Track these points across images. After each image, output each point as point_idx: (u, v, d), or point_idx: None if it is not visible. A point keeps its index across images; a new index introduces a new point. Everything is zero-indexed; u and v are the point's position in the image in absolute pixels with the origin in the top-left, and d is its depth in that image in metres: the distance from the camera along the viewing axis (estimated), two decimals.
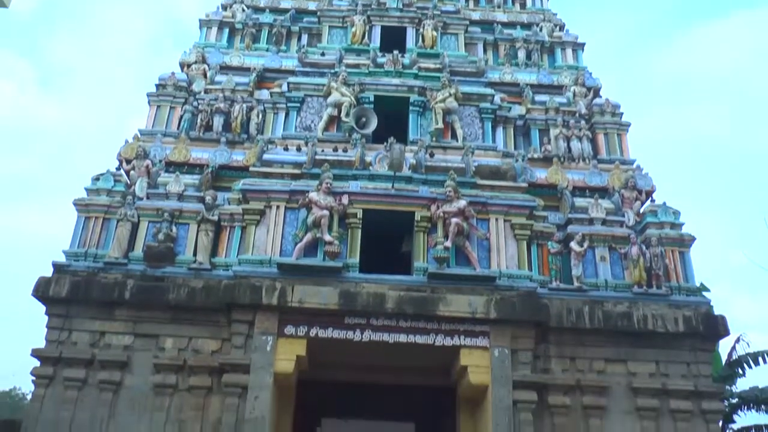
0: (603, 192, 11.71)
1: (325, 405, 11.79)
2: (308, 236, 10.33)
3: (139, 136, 12.17)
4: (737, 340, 17.62)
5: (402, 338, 9.61)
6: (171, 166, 11.70)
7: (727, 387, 15.94)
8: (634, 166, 12.18)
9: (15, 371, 45.39)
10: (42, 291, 9.96)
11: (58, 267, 10.34)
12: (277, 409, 9.84)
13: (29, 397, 10.43)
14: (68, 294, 9.92)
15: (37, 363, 9.77)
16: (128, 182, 11.31)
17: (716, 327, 10.13)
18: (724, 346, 17.31)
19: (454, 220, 10.37)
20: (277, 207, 10.71)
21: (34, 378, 9.72)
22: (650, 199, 11.71)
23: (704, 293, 11.02)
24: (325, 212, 10.35)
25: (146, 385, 9.63)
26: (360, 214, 10.64)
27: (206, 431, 9.38)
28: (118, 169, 11.77)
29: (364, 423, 13.33)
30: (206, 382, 9.57)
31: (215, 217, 10.76)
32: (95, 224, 10.78)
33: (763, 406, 16.63)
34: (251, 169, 11.29)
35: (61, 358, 9.70)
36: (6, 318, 53.46)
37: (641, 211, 11.44)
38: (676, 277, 10.70)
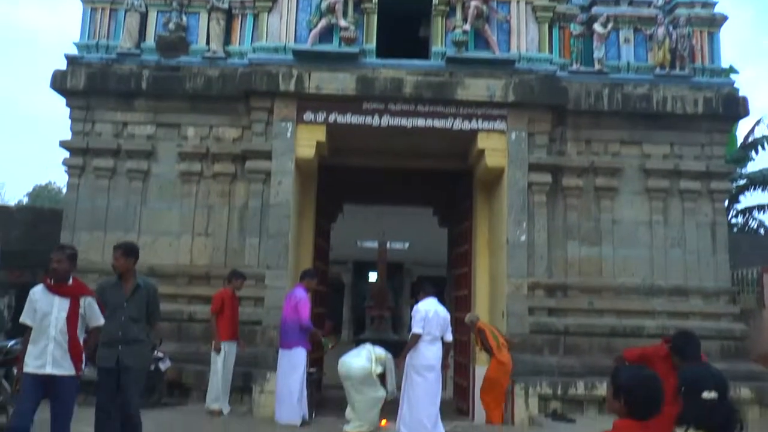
0: None
1: (346, 190, 12.24)
2: (323, 22, 10.00)
3: None
4: (756, 123, 17.63)
5: (420, 123, 9.66)
6: None
7: (738, 169, 16.25)
8: None
9: (48, 166, 47.43)
10: (59, 83, 10.01)
11: (71, 59, 10.27)
12: (300, 194, 10.25)
13: (65, 190, 10.91)
14: (86, 86, 9.96)
15: (68, 155, 10.11)
16: None
17: (736, 108, 10.08)
18: (742, 131, 17.36)
19: (473, 2, 9.92)
20: None
21: (66, 168, 10.10)
22: None
23: (731, 76, 10.79)
24: None
25: (173, 173, 10.00)
26: None
27: (233, 216, 9.88)
28: None
29: (384, 208, 13.96)
30: (230, 169, 9.91)
31: (225, 5, 10.38)
32: (102, 15, 10.49)
33: None
34: None
35: (89, 148, 9.99)
36: (33, 116, 54.29)
37: None
38: (701, 58, 10.44)
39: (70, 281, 5.16)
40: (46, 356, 4.91)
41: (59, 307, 5.02)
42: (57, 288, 5.08)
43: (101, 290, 5.57)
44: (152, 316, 5.70)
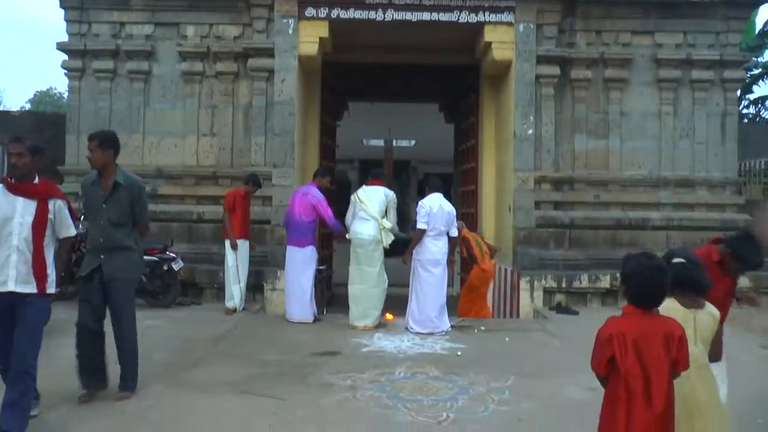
0: None
1: (351, 88, 12.06)
2: None
3: None
4: None
5: (425, 16, 9.33)
6: None
7: (754, 58, 15.78)
8: None
9: (48, 71, 46.76)
10: None
11: None
12: (304, 92, 10.10)
13: (66, 95, 10.78)
14: None
15: (66, 58, 9.92)
16: None
17: None
18: (762, 17, 16.69)
19: None
20: None
21: (66, 72, 9.94)
22: None
23: None
24: None
25: (174, 73, 9.84)
26: None
27: (238, 115, 9.80)
28: None
29: (390, 105, 13.78)
30: (232, 68, 9.72)
31: None
32: None
33: None
34: None
35: (87, 50, 9.80)
36: (29, 23, 52.94)
37: None
38: None
39: (36, 180, 4.17)
40: (8, 270, 3.97)
41: (23, 210, 4.05)
42: (20, 188, 4.08)
43: (83, 189, 4.83)
44: (139, 219, 4.77)
